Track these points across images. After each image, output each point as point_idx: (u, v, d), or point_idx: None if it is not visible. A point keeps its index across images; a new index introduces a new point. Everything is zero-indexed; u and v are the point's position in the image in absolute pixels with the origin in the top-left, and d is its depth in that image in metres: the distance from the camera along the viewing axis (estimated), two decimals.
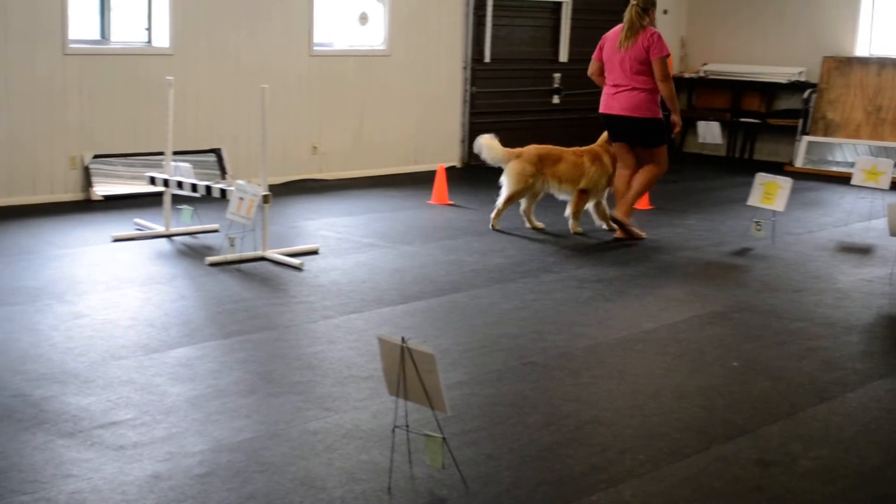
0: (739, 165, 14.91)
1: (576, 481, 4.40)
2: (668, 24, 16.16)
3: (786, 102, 15.44)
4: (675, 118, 9.45)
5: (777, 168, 13.80)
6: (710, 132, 13.88)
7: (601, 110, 9.61)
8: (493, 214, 9.74)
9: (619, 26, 9.52)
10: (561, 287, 7.70)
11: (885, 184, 10.46)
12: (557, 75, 14.77)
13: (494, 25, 13.87)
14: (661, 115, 9.40)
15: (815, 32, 15.16)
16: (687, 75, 16.26)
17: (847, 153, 14.38)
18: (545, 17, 14.57)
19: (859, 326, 6.96)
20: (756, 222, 9.41)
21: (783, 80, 15.22)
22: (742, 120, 15.60)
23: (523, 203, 9.80)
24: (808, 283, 8.06)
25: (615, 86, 9.44)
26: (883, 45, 14.69)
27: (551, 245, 9.12)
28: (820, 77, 14.86)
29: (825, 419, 5.24)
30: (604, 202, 9.79)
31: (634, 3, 9.38)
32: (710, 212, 11.02)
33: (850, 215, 10.95)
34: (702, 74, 16.09)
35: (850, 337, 6.70)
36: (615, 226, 9.50)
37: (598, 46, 9.69)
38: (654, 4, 9.42)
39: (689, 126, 15.92)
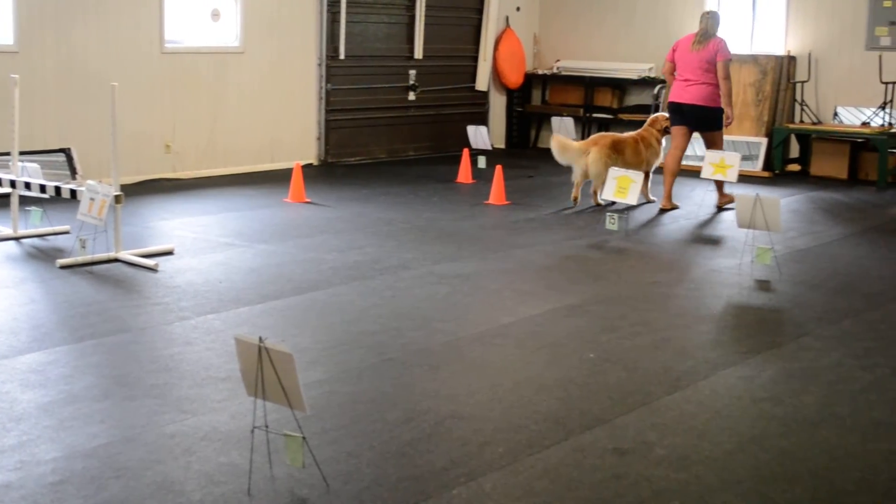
0: None
1: (436, 476, 4.42)
2: (520, 21, 16.35)
3: (637, 98, 15.76)
4: (729, 111, 11.16)
5: None
6: (563, 127, 14.05)
7: (671, 99, 11.36)
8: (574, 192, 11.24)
9: (690, 34, 11.44)
10: (419, 283, 7.72)
11: (734, 177, 10.73)
12: (413, 72, 14.81)
13: (349, 22, 13.84)
14: (721, 106, 11.12)
15: (664, 29, 15.48)
16: (540, 72, 16.47)
17: (697, 147, 14.68)
18: (399, 14, 14.58)
19: (711, 316, 7.13)
20: (610, 215, 9.56)
21: (634, 77, 15.52)
22: (595, 115, 15.86)
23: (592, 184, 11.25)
24: (661, 274, 8.23)
25: (686, 80, 11.18)
26: (731, 42, 15.03)
27: (409, 241, 9.14)
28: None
29: (679, 407, 5.35)
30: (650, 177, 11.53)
31: (707, 15, 11.31)
32: (565, 206, 11.15)
33: (701, 208, 11.21)
34: (555, 71, 16.31)
35: (702, 326, 6.86)
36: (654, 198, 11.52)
37: (671, 50, 11.49)
38: (720, 19, 11.40)
39: (544, 122, 16.15)
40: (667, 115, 11.59)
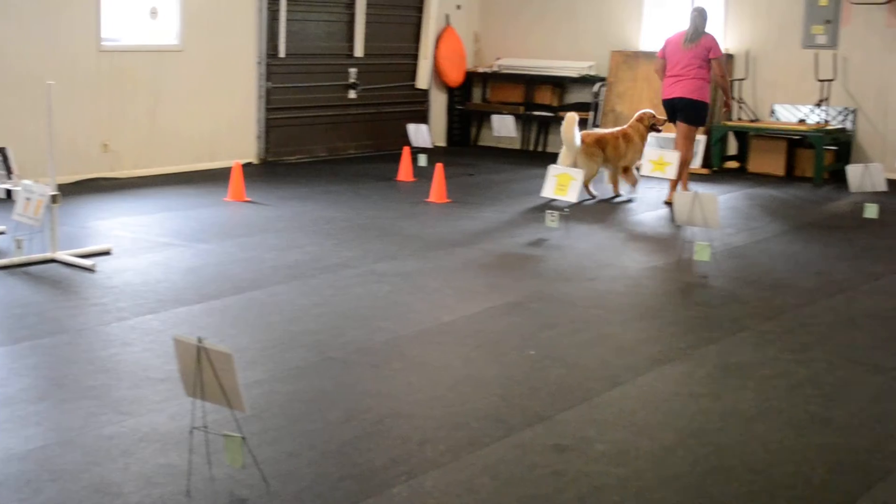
0: (533, 158, 15.19)
1: (377, 474, 4.41)
2: (461, 19, 16.37)
3: (577, 95, 15.82)
4: (729, 102, 12.05)
5: None
6: (504, 125, 14.10)
7: (664, 97, 11.62)
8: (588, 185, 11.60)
9: (679, 32, 11.58)
10: (360, 282, 7.71)
11: (672, 174, 10.82)
12: (353, 70, 14.77)
13: (289, 20, 13.77)
14: (709, 102, 11.60)
15: (603, 27, 15.57)
16: (481, 70, 16.49)
17: None
18: (339, 12, 14.54)
19: (649, 312, 7.19)
20: (550, 213, 9.60)
21: (574, 74, 15.60)
22: (535, 113, 15.92)
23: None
24: (600, 271, 8.27)
25: (677, 76, 11.45)
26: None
27: (350, 240, 9.12)
28: (609, 70, 15.28)
29: (618, 403, 5.39)
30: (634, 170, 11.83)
31: (696, 13, 11.49)
32: (506, 204, 11.19)
33: (640, 205, 11.28)
34: (495, 69, 16.34)
35: (641, 322, 6.91)
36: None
37: (661, 48, 11.71)
38: (709, 15, 11.62)
39: (484, 120, 16.18)
40: (652, 112, 11.97)
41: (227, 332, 6.37)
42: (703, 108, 11.53)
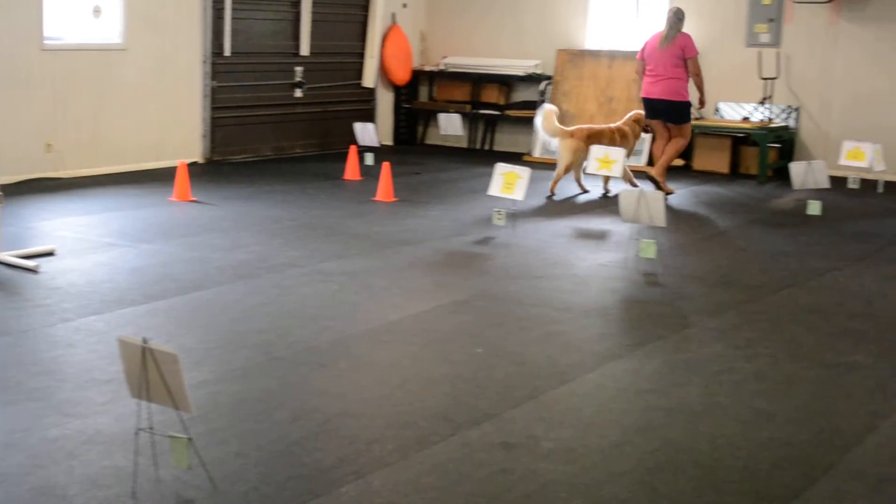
0: (480, 156, 15.21)
1: (325, 474, 4.40)
2: (407, 18, 16.36)
3: (523, 94, 15.86)
4: (704, 99, 12.23)
5: (516, 158, 14.14)
6: (451, 124, 14.11)
7: (643, 96, 12.09)
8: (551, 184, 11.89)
9: (657, 33, 12.03)
10: (307, 281, 7.68)
11: (618, 172, 10.88)
12: (299, 69, 14.72)
13: (234, 19, 13.70)
14: (689, 99, 11.94)
15: (549, 26, 15.62)
16: (427, 68, 16.49)
17: None
18: (285, 10, 14.48)
19: (596, 310, 7.21)
20: (497, 211, 9.61)
21: (520, 73, 15.64)
22: (482, 112, 15.94)
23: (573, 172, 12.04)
24: (547, 269, 8.30)
25: (656, 76, 11.89)
26: (612, 39, 15.26)
27: (297, 239, 9.08)
28: (555, 69, 15.33)
29: (566, 400, 5.40)
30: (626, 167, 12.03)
31: (671, 14, 11.95)
32: (453, 202, 11.20)
33: (586, 203, 11.32)
34: (442, 67, 16.35)
35: (588, 320, 6.94)
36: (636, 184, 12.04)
37: (640, 49, 12.18)
38: (684, 15, 12.07)
39: (431, 118, 16.18)
40: (643, 113, 12.27)
41: (172, 333, 6.32)
42: (684, 107, 11.98)
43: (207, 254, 8.42)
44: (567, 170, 11.87)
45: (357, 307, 7.09)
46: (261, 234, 9.25)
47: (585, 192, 11.99)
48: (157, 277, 7.64)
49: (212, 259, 8.25)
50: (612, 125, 12.29)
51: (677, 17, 11.94)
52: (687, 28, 13.21)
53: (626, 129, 12.16)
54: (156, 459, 4.39)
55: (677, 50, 11.82)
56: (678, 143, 12.14)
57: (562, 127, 12.06)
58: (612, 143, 11.84)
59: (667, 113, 12.03)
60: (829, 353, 6.32)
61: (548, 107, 12.20)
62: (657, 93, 11.93)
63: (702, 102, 12.32)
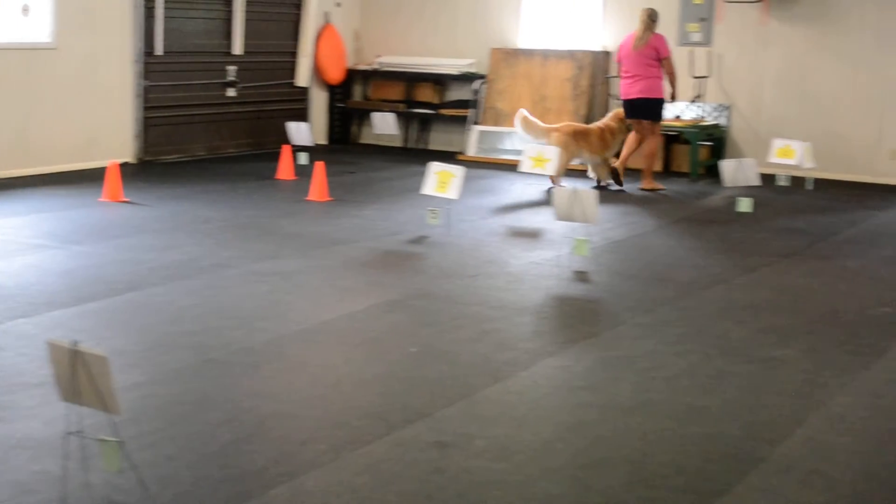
0: (414, 155, 15.20)
1: (258, 476, 4.38)
2: (341, 17, 16.32)
3: (457, 93, 15.87)
4: (676, 94, 12.56)
5: (450, 157, 14.15)
6: (385, 123, 14.10)
7: (621, 97, 12.50)
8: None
9: (632, 33, 12.37)
10: (240, 282, 7.64)
11: (552, 170, 10.92)
12: (232, 68, 14.63)
13: (166, 17, 13.58)
14: (663, 97, 12.36)
15: (482, 25, 15.66)
16: (361, 67, 16.46)
17: (516, 141, 14.91)
18: (218, 9, 14.39)
19: (530, 308, 7.24)
20: (431, 211, 9.62)
21: (454, 72, 15.65)
22: (416, 111, 15.93)
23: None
24: (481, 267, 8.32)
25: (632, 77, 12.29)
26: (545, 37, 15.33)
27: (230, 240, 9.03)
28: (489, 68, 15.37)
29: (499, 399, 5.42)
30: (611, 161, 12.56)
31: (645, 15, 12.25)
32: (387, 202, 11.19)
33: (520, 201, 11.37)
34: (376, 66, 16.32)
35: (522, 318, 6.96)
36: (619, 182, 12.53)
37: (618, 52, 12.65)
38: (658, 17, 12.35)
39: (365, 117, 16.15)
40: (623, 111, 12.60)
41: (103, 336, 6.25)
42: (657, 104, 12.38)
43: (140, 255, 8.35)
44: (564, 165, 12.14)
45: (290, 307, 7.07)
46: (194, 235, 9.18)
47: (559, 186, 12.01)
48: (87, 279, 7.56)
49: (144, 260, 8.18)
50: (600, 123, 12.58)
51: (651, 18, 12.27)
52: (618, 26, 13.32)
53: (614, 125, 12.46)
54: (86, 463, 4.35)
55: (651, 51, 12.20)
56: (651, 145, 12.47)
57: (545, 126, 12.37)
58: (601, 140, 12.26)
59: (644, 110, 12.36)
60: (758, 348, 6.40)
61: (521, 112, 12.39)
62: (635, 92, 12.30)
63: (673, 97, 12.59)
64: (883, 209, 11.48)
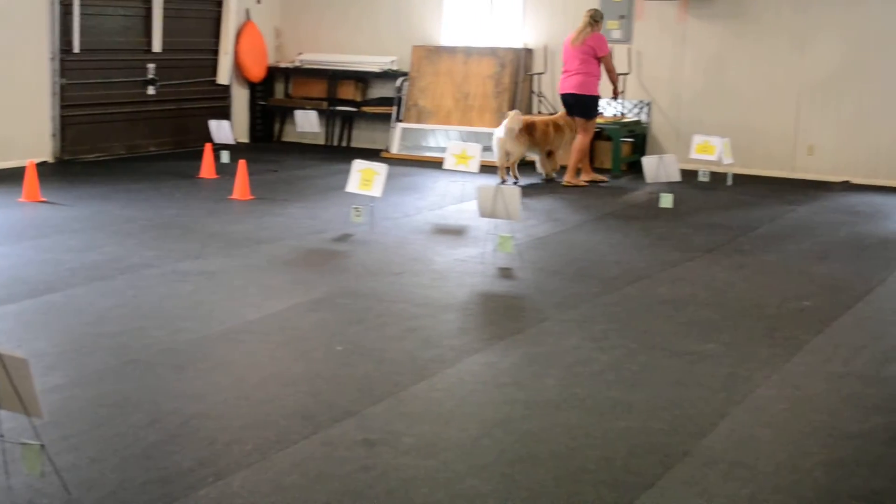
0: (338, 153, 15.17)
1: (183, 477, 4.34)
2: (261, 14, 16.22)
3: (380, 90, 15.87)
4: (616, 93, 12.80)
5: (374, 155, 14.17)
6: (307, 121, 14.03)
7: (559, 91, 12.82)
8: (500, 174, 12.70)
9: (573, 32, 12.61)
10: (163, 282, 7.56)
11: (475, 167, 10.95)
12: (152, 66, 14.48)
13: (83, 14, 13.41)
14: (597, 94, 12.58)
15: (404, 22, 15.65)
16: (283, 65, 16.39)
17: (439, 138, 14.94)
18: (136, 6, 14.23)
19: (455, 305, 7.25)
20: (355, 208, 9.59)
21: (376, 69, 15.63)
22: (338, 108, 15.89)
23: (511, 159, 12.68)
24: (406, 265, 8.31)
25: (567, 72, 12.59)
26: (467, 35, 15.36)
27: (152, 239, 8.93)
28: (411, 66, 15.36)
29: (426, 396, 5.42)
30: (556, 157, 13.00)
31: (588, 15, 12.47)
32: (311, 200, 11.15)
33: (444, 198, 11.38)
34: (297, 64, 16.25)
35: (448, 315, 6.97)
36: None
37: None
38: (602, 17, 12.66)
39: (287, 115, 16.08)
40: None
41: (23, 337, 6.15)
42: (590, 101, 12.59)
43: (59, 255, 8.22)
44: (508, 160, 12.60)
45: (214, 307, 7.00)
46: (115, 235, 9.07)
47: (512, 180, 12.58)
48: (6, 280, 7.43)
49: (64, 261, 8.06)
50: (547, 118, 12.97)
51: (593, 18, 12.49)
52: (538, 25, 13.44)
53: (561, 122, 12.74)
54: (7, 467, 4.27)
55: (588, 48, 12.39)
56: (580, 141, 12.65)
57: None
58: (544, 135, 12.58)
59: (576, 106, 12.60)
60: (682, 342, 6.46)
61: (512, 114, 12.60)
62: (568, 87, 12.56)
63: (615, 94, 12.84)
64: (801, 204, 11.66)
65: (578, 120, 12.66)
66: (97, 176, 12.36)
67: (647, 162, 10.84)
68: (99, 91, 13.86)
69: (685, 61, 14.08)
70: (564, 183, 12.65)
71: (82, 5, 13.35)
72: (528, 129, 12.49)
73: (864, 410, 5.38)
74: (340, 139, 16.19)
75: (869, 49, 13.07)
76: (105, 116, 13.98)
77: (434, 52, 15.22)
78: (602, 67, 12.57)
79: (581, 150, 12.68)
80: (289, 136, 16.41)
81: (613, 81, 12.70)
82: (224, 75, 15.58)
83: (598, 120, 13.82)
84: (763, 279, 8.20)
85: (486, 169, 12.57)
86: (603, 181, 12.91)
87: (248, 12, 15.97)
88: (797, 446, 4.89)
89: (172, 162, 13.70)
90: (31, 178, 10.59)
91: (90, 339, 6.17)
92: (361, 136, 16.13)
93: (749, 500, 4.31)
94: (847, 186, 13.02)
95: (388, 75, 15.55)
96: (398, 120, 15.15)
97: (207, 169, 12.44)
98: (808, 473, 4.58)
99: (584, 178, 12.81)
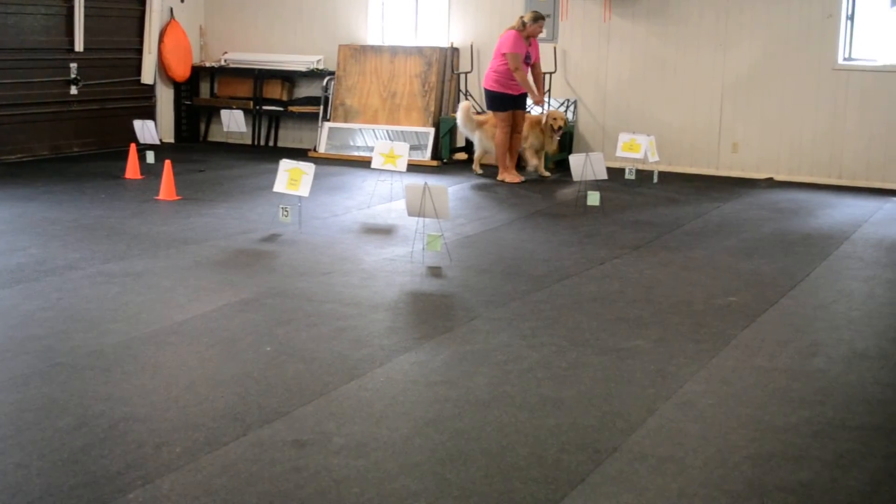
0: (265, 153, 15.09)
1: (112, 481, 4.29)
2: (185, 13, 16.08)
3: (306, 90, 15.81)
4: (534, 96, 12.77)
5: (302, 154, 14.12)
6: (233, 121, 13.94)
7: None
8: (474, 165, 13.48)
9: None
10: (88, 284, 7.47)
11: (403, 166, 10.94)
12: (74, 65, 14.30)
13: (2, 13, 13.20)
14: (499, 90, 12.63)
15: (330, 21, 15.61)
16: (208, 64, 16.26)
17: (367, 138, 14.91)
18: (58, 5, 14.04)
19: (384, 304, 7.24)
20: (283, 208, 9.55)
21: (303, 69, 15.57)
22: (265, 108, 15.80)
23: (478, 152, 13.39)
24: (335, 265, 8.29)
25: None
26: (394, 34, 15.35)
27: (76, 241, 8.82)
28: (337, 65, 15.31)
29: (356, 396, 5.41)
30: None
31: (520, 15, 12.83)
32: (239, 200, 11.07)
33: (372, 197, 11.36)
34: (223, 63, 16.13)
35: (377, 314, 6.96)
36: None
37: None
38: (535, 19, 12.54)
39: (213, 115, 15.96)
40: (557, 114, 13.07)
41: None
42: (488, 95, 12.83)
43: None
44: (482, 154, 13.28)
45: (141, 309, 6.93)
46: (38, 237, 8.94)
47: (480, 174, 13.22)
48: None
49: None
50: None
51: (521, 18, 12.66)
52: (465, 24, 13.50)
53: (534, 119, 13.15)
54: None
55: (499, 46, 12.65)
56: (497, 136, 12.87)
57: (477, 118, 13.19)
58: (485, 127, 13.06)
59: (486, 100, 12.95)
60: (610, 339, 6.51)
61: (464, 104, 13.24)
62: (485, 83, 12.92)
63: (537, 101, 12.90)
64: (726, 201, 11.80)
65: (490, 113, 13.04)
66: (20, 177, 12.18)
67: (574, 160, 10.90)
68: (20, 91, 13.66)
69: (609, 59, 14.18)
70: (498, 178, 12.88)
71: (1, 3, 13.15)
72: (480, 124, 13.09)
73: (791, 404, 5.46)
74: (267, 139, 16.10)
75: (790, 48, 13.26)
76: (27, 116, 13.78)
77: (360, 52, 15.18)
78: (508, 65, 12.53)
79: (498, 144, 12.85)
80: (215, 136, 16.29)
81: (520, 80, 12.55)
82: (148, 75, 15.43)
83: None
84: (690, 276, 8.29)
85: (414, 168, 12.57)
86: (519, 181, 12.86)
87: (171, 11, 15.82)
88: (725, 440, 4.95)
89: (97, 162, 13.54)
90: None
91: (14, 343, 6.08)
92: (288, 136, 16.06)
93: (678, 494, 4.36)
94: (771, 183, 13.20)
95: (315, 74, 15.50)
96: (325, 119, 15.10)
97: (132, 169, 12.31)
98: (736, 467, 4.64)
99: (499, 176, 12.95)
